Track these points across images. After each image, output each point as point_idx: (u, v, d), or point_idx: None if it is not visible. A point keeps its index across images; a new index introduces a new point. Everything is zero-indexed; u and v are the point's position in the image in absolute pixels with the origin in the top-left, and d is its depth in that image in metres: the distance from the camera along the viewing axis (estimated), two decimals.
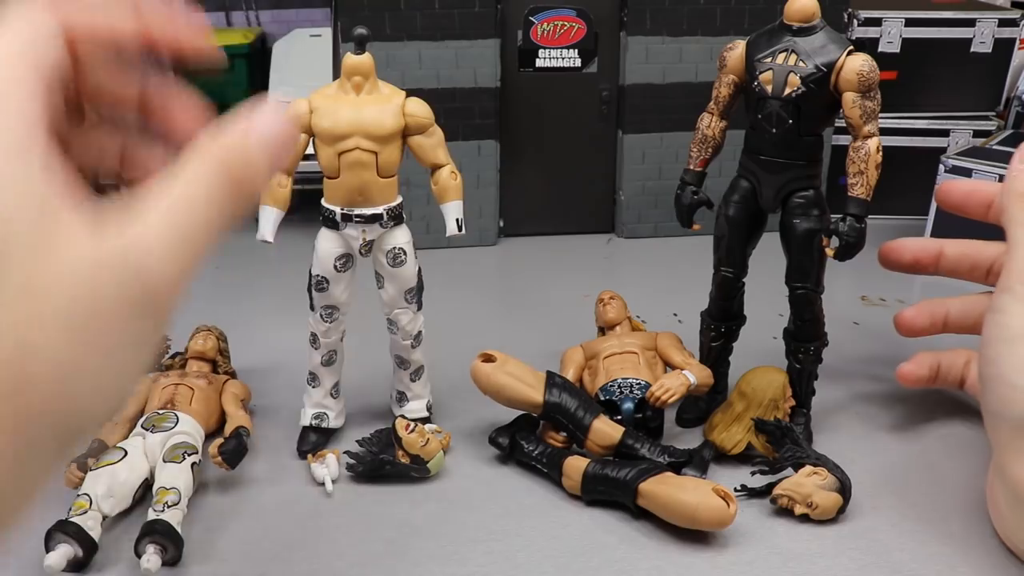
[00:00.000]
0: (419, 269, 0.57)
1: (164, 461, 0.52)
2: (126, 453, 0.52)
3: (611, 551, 0.49)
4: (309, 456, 0.54)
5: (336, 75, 0.87)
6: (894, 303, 0.79)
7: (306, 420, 0.58)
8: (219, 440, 0.54)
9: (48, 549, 0.46)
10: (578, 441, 0.56)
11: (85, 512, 0.48)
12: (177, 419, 0.55)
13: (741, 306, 0.60)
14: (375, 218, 0.54)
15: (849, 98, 0.53)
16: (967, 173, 0.84)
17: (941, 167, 0.86)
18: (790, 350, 0.59)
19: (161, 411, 0.56)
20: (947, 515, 0.52)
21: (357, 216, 0.54)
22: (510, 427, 0.57)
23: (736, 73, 0.56)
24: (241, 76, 1.15)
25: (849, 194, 0.54)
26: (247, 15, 1.30)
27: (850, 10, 0.93)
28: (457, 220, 0.56)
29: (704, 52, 0.89)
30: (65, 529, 0.47)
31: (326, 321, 0.56)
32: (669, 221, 0.95)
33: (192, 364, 0.62)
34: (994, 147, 0.89)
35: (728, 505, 0.49)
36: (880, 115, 0.54)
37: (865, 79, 0.52)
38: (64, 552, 0.46)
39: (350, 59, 0.52)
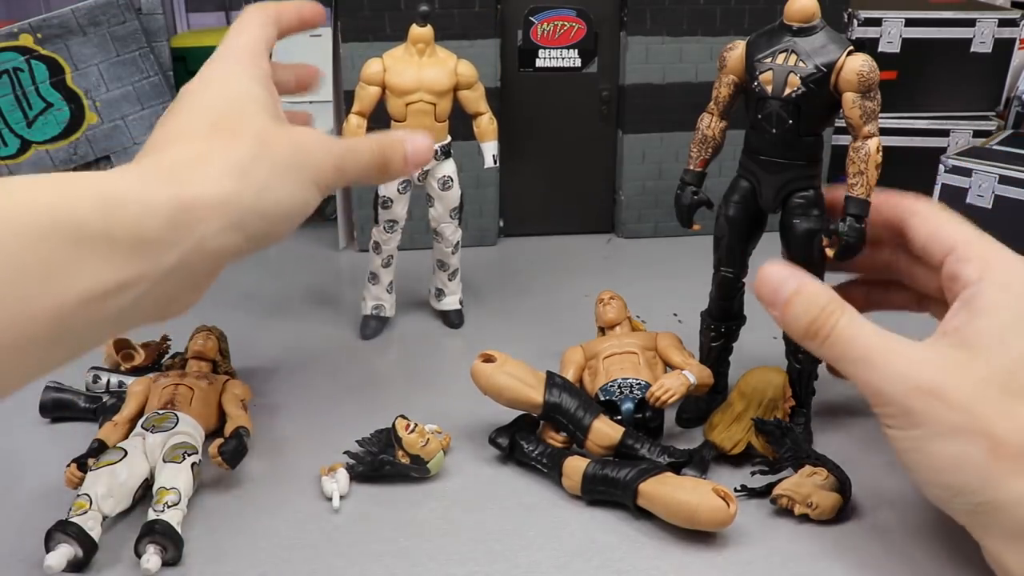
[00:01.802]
0: (461, 193, 0.73)
1: (164, 461, 0.52)
2: (126, 453, 0.52)
3: (611, 551, 0.49)
4: (322, 468, 0.55)
5: (336, 75, 0.88)
6: None
7: (367, 310, 0.74)
8: (219, 440, 0.54)
9: (48, 549, 0.46)
10: (578, 441, 0.56)
11: (85, 512, 0.48)
12: (177, 419, 0.55)
13: (741, 306, 0.61)
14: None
15: (849, 98, 0.53)
16: (967, 173, 0.84)
17: (941, 167, 0.86)
18: (790, 350, 0.59)
19: (161, 411, 0.56)
20: (947, 515, 0.52)
21: None
22: (510, 427, 0.57)
23: (736, 73, 0.56)
24: None
25: (848, 194, 0.54)
26: None
27: (850, 10, 0.93)
28: (493, 156, 0.72)
29: (704, 52, 0.89)
30: (65, 529, 0.47)
31: (388, 232, 0.72)
32: (669, 221, 0.95)
33: (192, 364, 0.62)
34: (994, 147, 0.89)
35: (728, 505, 0.49)
36: (880, 115, 0.54)
37: (865, 79, 0.52)
38: (64, 552, 0.46)
39: (415, 29, 0.68)
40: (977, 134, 0.97)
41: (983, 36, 0.95)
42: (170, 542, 0.47)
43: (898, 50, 0.96)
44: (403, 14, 0.81)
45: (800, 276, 0.46)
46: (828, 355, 0.46)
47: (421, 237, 0.85)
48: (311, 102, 1.10)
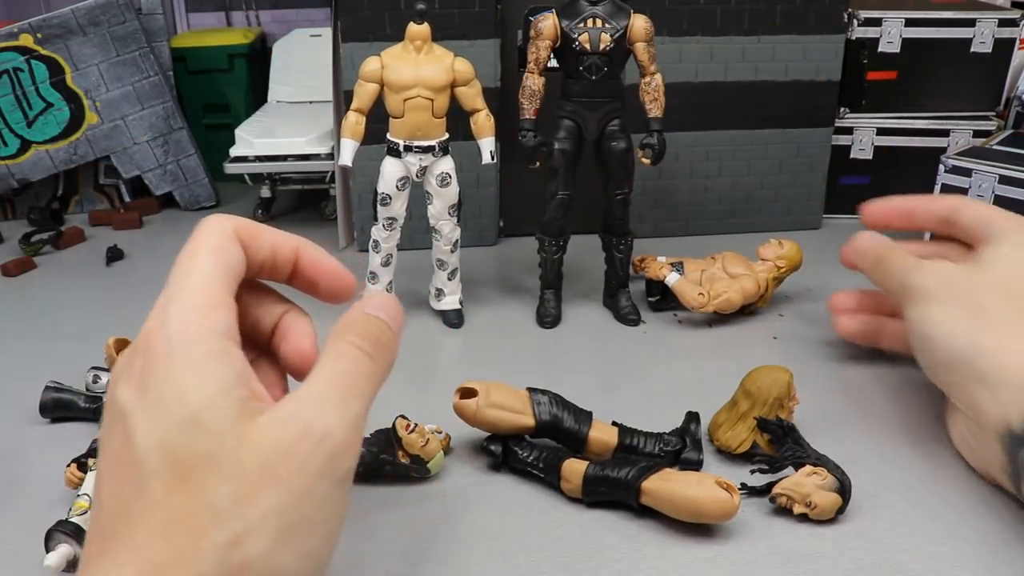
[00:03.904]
0: (459, 190, 0.73)
1: None
2: None
3: (611, 551, 0.49)
4: None
5: (336, 75, 0.88)
6: None
7: None
8: None
9: (48, 549, 0.46)
10: (576, 452, 0.55)
11: (85, 512, 0.48)
12: None
13: (569, 222, 0.76)
14: (429, 149, 0.71)
15: (640, 47, 0.71)
16: (967, 173, 0.84)
17: (941, 167, 0.86)
18: (609, 244, 0.77)
19: None
20: (947, 515, 0.52)
21: (416, 147, 0.70)
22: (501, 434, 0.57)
23: (551, 39, 0.71)
24: (241, 76, 1.15)
25: (650, 115, 0.73)
26: (247, 15, 1.30)
27: (850, 10, 0.93)
28: (490, 152, 0.73)
29: (704, 52, 0.89)
30: (65, 529, 0.47)
31: (387, 230, 0.73)
32: (669, 221, 0.96)
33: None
34: (994, 147, 0.89)
35: (732, 496, 0.49)
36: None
37: (648, 32, 0.71)
38: (64, 552, 0.46)
39: (413, 27, 0.69)
40: (977, 134, 0.97)
41: (983, 36, 0.95)
42: None
43: (898, 50, 0.96)
44: (403, 14, 0.81)
45: (886, 242, 0.64)
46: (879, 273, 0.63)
47: (420, 237, 0.85)
48: (311, 102, 1.10)
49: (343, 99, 0.85)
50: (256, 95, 1.15)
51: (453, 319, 0.76)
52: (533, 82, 0.72)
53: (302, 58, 1.13)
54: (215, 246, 0.34)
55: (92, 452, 0.53)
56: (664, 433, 0.56)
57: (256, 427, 0.31)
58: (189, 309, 0.32)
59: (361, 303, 0.38)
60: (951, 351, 0.54)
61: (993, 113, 0.99)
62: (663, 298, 0.77)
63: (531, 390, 0.57)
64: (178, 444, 0.30)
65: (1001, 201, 0.82)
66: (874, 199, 0.66)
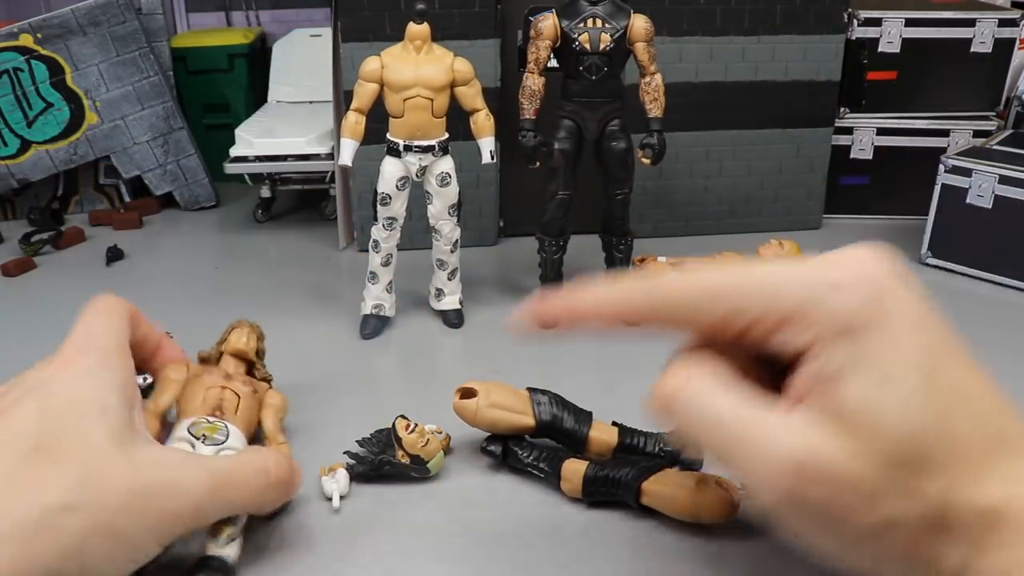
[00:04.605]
0: (460, 189, 0.74)
1: None
2: None
3: (611, 551, 0.49)
4: (322, 468, 0.54)
5: (336, 75, 0.88)
6: None
7: (367, 310, 0.75)
8: None
9: None
10: (576, 452, 0.55)
11: None
12: (228, 432, 0.50)
13: (569, 222, 0.76)
14: (428, 148, 0.71)
15: (640, 47, 0.71)
16: (967, 173, 0.84)
17: (941, 167, 0.86)
18: (609, 244, 0.78)
19: (211, 419, 0.51)
20: None
21: (416, 147, 0.70)
22: (501, 434, 0.57)
23: (551, 39, 0.71)
24: (241, 76, 1.15)
25: (650, 115, 0.73)
26: (247, 15, 1.30)
27: (850, 10, 0.93)
28: (490, 152, 0.73)
29: (704, 52, 0.89)
30: None
31: (387, 229, 0.73)
32: (669, 221, 0.96)
33: (228, 361, 0.57)
34: (994, 147, 0.89)
35: (732, 496, 0.49)
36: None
37: (648, 32, 0.71)
38: None
39: (412, 27, 0.69)
40: (977, 134, 0.97)
41: (983, 36, 0.95)
42: None
43: (898, 50, 0.96)
44: (403, 14, 0.81)
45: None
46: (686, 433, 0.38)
47: (420, 237, 0.85)
48: (311, 102, 1.10)
49: (343, 99, 0.85)
50: (256, 95, 1.15)
51: (453, 319, 0.76)
52: (533, 82, 0.72)
53: (302, 58, 1.13)
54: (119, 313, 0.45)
55: None
56: (664, 433, 0.56)
57: (136, 447, 0.37)
58: (83, 354, 0.40)
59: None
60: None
61: (993, 113, 0.99)
62: None
63: (531, 390, 0.57)
64: (60, 423, 0.35)
65: (1001, 201, 0.82)
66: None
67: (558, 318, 0.40)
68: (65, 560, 0.33)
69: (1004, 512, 0.32)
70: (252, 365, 0.59)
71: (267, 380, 0.59)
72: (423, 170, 0.72)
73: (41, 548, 0.33)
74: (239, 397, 0.53)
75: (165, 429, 0.52)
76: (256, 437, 0.55)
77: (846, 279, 0.34)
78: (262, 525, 0.51)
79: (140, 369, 0.49)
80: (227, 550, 0.45)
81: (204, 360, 0.57)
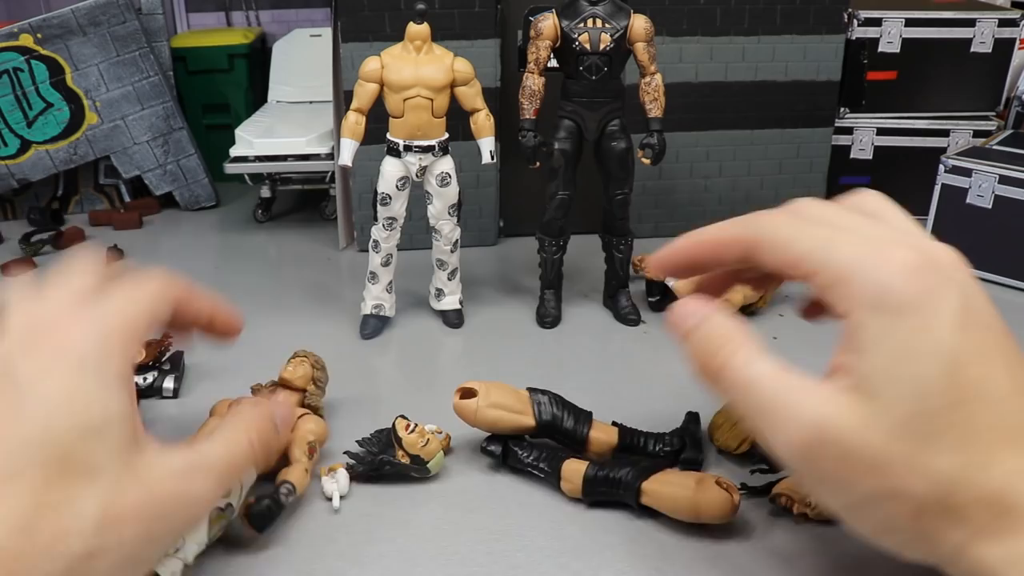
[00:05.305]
0: (460, 189, 0.73)
1: None
2: None
3: (611, 551, 0.49)
4: (322, 468, 0.54)
5: (336, 75, 0.88)
6: None
7: (367, 310, 0.75)
8: (252, 498, 0.49)
9: None
10: (576, 452, 0.55)
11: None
12: None
13: (570, 222, 0.76)
14: (428, 148, 0.71)
15: (640, 47, 0.71)
16: (967, 173, 0.84)
17: (941, 167, 0.86)
18: (609, 244, 0.77)
19: None
20: None
21: (416, 147, 0.70)
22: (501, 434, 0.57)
23: (551, 39, 0.71)
24: (241, 76, 1.15)
25: (650, 115, 0.73)
26: (247, 15, 1.30)
27: (850, 10, 0.93)
28: (490, 152, 0.73)
29: (704, 52, 0.89)
30: None
31: (387, 229, 0.73)
32: (669, 221, 0.96)
33: (280, 393, 0.57)
34: (994, 147, 0.89)
35: (732, 496, 0.49)
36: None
37: (648, 32, 0.71)
38: None
39: (412, 27, 0.68)
40: (977, 134, 0.97)
41: (983, 36, 0.95)
42: None
43: (898, 50, 0.96)
44: (403, 14, 0.81)
45: (708, 309, 0.40)
46: (727, 398, 0.39)
47: (420, 237, 0.85)
48: (311, 102, 1.10)
49: (343, 99, 0.85)
50: (256, 95, 1.15)
51: (453, 319, 0.76)
52: (533, 82, 0.72)
53: (302, 58, 1.13)
54: (159, 295, 0.40)
55: None
56: (664, 433, 0.56)
57: (144, 462, 0.35)
58: (119, 337, 0.36)
59: (269, 403, 0.43)
60: (906, 548, 0.37)
61: (993, 113, 0.99)
62: (663, 298, 0.77)
63: (531, 390, 0.57)
64: (69, 445, 0.33)
65: (1001, 201, 0.82)
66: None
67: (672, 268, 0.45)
68: None
69: (1011, 504, 0.33)
70: (306, 393, 0.58)
71: (312, 407, 0.58)
72: (423, 170, 0.72)
73: None
74: None
75: None
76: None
77: (904, 259, 0.35)
78: None
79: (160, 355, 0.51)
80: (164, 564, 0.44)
81: (255, 391, 0.58)
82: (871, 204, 0.40)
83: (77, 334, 0.35)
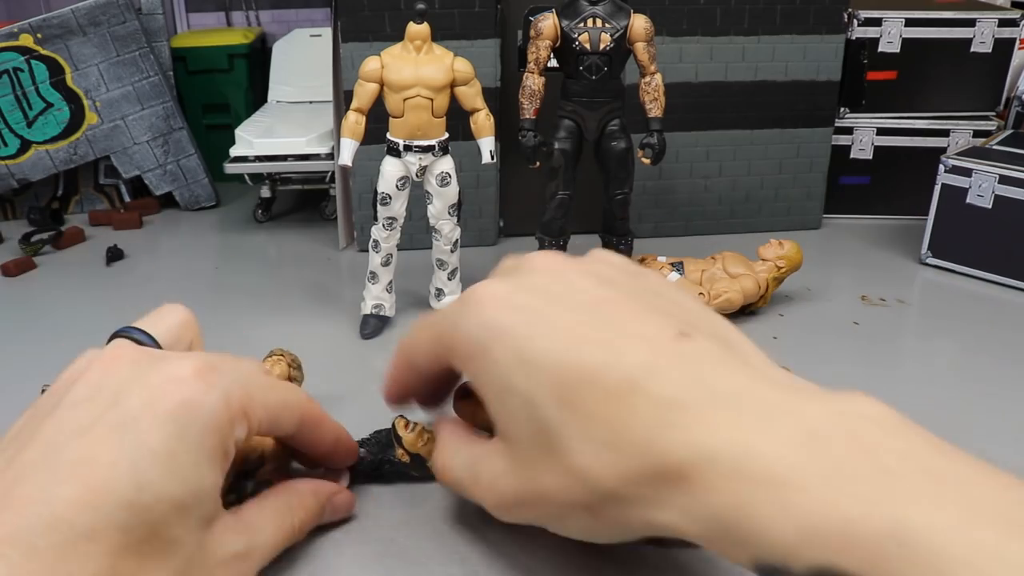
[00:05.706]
0: (460, 189, 0.74)
1: None
2: None
3: (611, 551, 0.49)
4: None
5: (336, 75, 0.88)
6: (894, 303, 0.79)
7: (367, 310, 0.75)
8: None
9: None
10: None
11: None
12: None
13: (569, 222, 0.77)
14: (429, 148, 0.71)
15: (640, 46, 0.72)
16: (967, 173, 0.84)
17: (941, 167, 0.86)
18: (609, 244, 0.78)
19: None
20: None
21: (416, 146, 0.71)
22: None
23: (551, 39, 0.72)
24: (241, 76, 1.15)
25: (650, 115, 0.73)
26: (247, 15, 1.30)
27: (850, 10, 0.93)
28: (490, 152, 0.73)
29: (704, 52, 0.90)
30: None
31: (387, 229, 0.73)
32: (669, 221, 0.96)
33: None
34: (994, 147, 0.89)
35: None
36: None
37: (648, 32, 0.71)
38: None
39: (412, 27, 0.69)
40: (977, 134, 0.97)
41: (983, 36, 0.95)
42: None
43: (898, 50, 0.96)
44: (403, 14, 0.81)
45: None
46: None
47: (421, 237, 0.85)
48: (311, 102, 1.10)
49: (343, 99, 0.85)
50: (256, 95, 1.15)
51: None
52: (533, 82, 0.72)
53: (302, 58, 1.13)
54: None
55: None
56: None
57: (214, 541, 0.36)
58: (239, 411, 0.38)
59: (328, 487, 0.47)
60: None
61: (993, 113, 0.99)
62: None
63: None
64: (158, 514, 0.32)
65: (1001, 201, 0.82)
66: None
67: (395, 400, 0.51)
68: None
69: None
70: None
71: None
72: (423, 170, 0.72)
73: None
74: None
75: None
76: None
77: (463, 312, 0.40)
78: None
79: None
80: None
81: None
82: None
83: (200, 396, 0.35)
